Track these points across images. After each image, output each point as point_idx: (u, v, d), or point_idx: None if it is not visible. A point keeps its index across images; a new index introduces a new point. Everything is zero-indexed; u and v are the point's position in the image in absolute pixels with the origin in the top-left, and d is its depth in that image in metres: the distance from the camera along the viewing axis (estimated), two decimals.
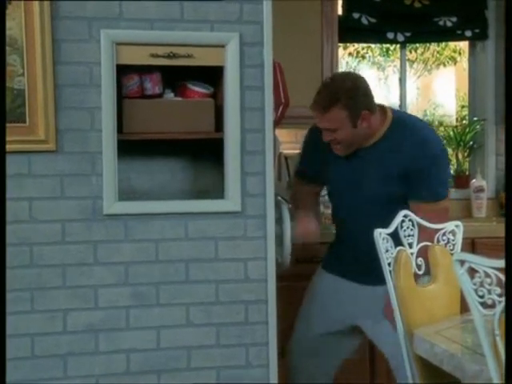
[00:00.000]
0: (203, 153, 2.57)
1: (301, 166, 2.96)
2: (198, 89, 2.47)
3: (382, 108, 2.68)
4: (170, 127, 2.40)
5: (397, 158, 2.60)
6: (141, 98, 2.40)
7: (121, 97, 2.35)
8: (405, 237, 2.33)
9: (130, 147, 2.37)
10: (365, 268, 2.62)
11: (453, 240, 2.41)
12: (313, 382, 2.83)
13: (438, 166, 2.63)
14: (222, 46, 2.33)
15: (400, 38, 4.18)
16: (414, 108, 7.90)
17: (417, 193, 2.60)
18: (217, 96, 2.46)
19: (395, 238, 2.31)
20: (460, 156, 4.41)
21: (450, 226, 2.43)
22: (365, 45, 7.55)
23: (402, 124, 2.66)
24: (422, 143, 2.61)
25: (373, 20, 4.08)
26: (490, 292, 1.54)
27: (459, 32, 4.22)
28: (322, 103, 2.56)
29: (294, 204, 2.89)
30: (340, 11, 3.93)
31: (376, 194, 2.65)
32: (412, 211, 2.44)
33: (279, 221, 2.57)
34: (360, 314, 2.71)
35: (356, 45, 7.55)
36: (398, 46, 4.51)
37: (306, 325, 2.82)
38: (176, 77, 2.46)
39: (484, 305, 1.58)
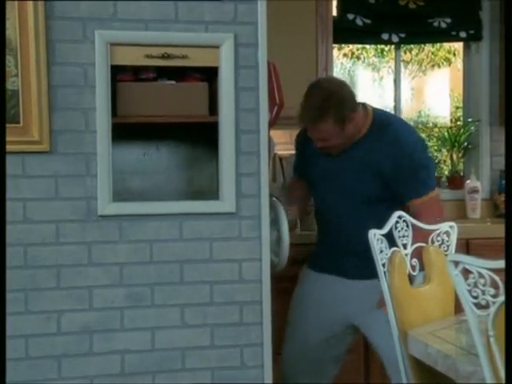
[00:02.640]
0: (197, 136, 2.57)
1: (294, 163, 3.07)
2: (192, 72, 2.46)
3: (364, 106, 2.73)
4: (164, 110, 2.39)
5: (374, 156, 2.65)
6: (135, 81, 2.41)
7: (115, 80, 2.34)
8: (399, 237, 2.33)
9: (125, 130, 2.36)
10: (352, 263, 2.68)
11: (447, 241, 2.42)
12: None
13: (417, 160, 2.66)
14: (217, 47, 2.33)
15: (395, 38, 4.18)
16: (408, 109, 7.90)
17: (405, 193, 2.65)
18: (212, 81, 2.46)
19: (390, 238, 2.31)
20: (454, 157, 4.42)
21: (444, 226, 2.43)
22: (359, 46, 7.53)
23: (380, 123, 2.71)
24: (396, 141, 2.66)
25: (367, 21, 4.09)
26: (483, 293, 1.54)
27: (454, 33, 4.23)
28: (309, 117, 2.63)
29: (285, 196, 2.99)
30: (335, 12, 3.94)
31: (357, 192, 2.69)
32: (413, 212, 2.48)
33: (275, 222, 2.57)
34: (353, 308, 2.72)
35: (351, 46, 7.53)
36: (393, 46, 4.51)
37: (301, 331, 2.82)
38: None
39: (478, 305, 1.59)
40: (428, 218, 2.49)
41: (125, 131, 2.35)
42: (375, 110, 2.78)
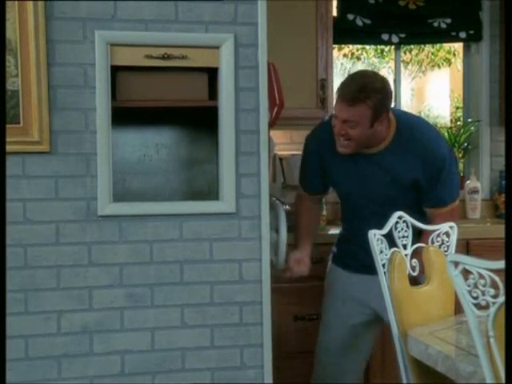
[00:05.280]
0: (198, 136, 2.57)
1: (304, 178, 2.92)
2: None
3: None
4: (164, 95, 2.37)
5: (408, 163, 2.61)
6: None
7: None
8: (399, 238, 2.33)
9: (124, 115, 2.36)
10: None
11: (447, 241, 2.42)
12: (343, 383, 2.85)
13: (449, 168, 2.64)
14: (217, 47, 2.32)
15: (395, 39, 4.18)
16: (408, 109, 7.89)
17: (434, 199, 2.65)
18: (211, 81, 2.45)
19: (389, 239, 2.31)
20: None
21: (444, 227, 2.43)
22: (359, 46, 7.55)
23: (408, 127, 2.66)
24: (430, 148, 2.62)
25: (367, 21, 4.09)
26: (483, 293, 1.54)
27: (454, 33, 4.23)
28: (352, 96, 2.54)
29: (295, 219, 2.88)
30: (335, 12, 3.94)
31: (387, 199, 2.65)
32: (430, 217, 2.48)
33: (275, 222, 2.57)
34: (375, 301, 2.71)
35: (351, 46, 7.55)
36: (393, 47, 4.51)
37: (333, 321, 2.84)
38: None
39: (478, 306, 1.59)
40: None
41: (124, 116, 2.35)
42: (395, 112, 2.70)
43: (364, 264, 2.71)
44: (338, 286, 2.85)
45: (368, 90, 2.52)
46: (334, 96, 2.71)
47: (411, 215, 2.40)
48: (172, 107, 2.43)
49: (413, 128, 2.67)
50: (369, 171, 2.68)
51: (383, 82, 2.62)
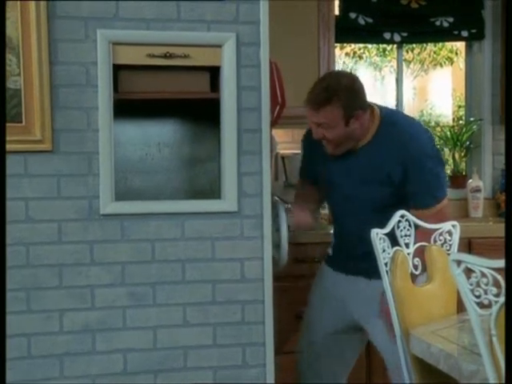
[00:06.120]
0: (199, 135, 2.57)
1: (302, 166, 2.96)
2: None
3: (371, 107, 2.63)
4: (166, 87, 2.36)
5: (386, 160, 2.57)
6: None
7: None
8: (401, 237, 2.33)
9: (126, 114, 2.36)
10: (361, 264, 2.62)
11: (449, 240, 2.41)
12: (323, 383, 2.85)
13: (430, 167, 2.56)
14: (219, 46, 2.33)
15: (397, 38, 4.18)
16: (410, 108, 7.90)
17: (416, 200, 2.56)
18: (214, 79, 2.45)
19: (392, 238, 2.31)
20: (457, 156, 4.42)
21: (446, 226, 2.43)
22: (361, 45, 7.56)
23: (391, 124, 2.62)
24: (410, 145, 2.55)
25: (369, 20, 4.08)
26: (486, 292, 1.54)
27: (456, 32, 4.22)
28: (318, 99, 2.52)
29: (295, 201, 2.88)
30: (337, 11, 3.93)
31: (366, 198, 2.63)
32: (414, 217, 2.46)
33: (276, 220, 2.57)
34: (359, 309, 2.71)
35: (353, 45, 7.55)
36: (395, 46, 4.51)
37: (315, 324, 2.83)
38: None
39: (480, 305, 1.58)
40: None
41: (126, 114, 2.35)
42: (383, 111, 2.67)
43: (346, 263, 2.72)
44: (324, 286, 2.84)
45: (331, 91, 2.50)
46: None
47: (392, 214, 2.34)
48: (174, 107, 2.44)
49: (395, 125, 2.62)
50: (349, 168, 2.65)
51: (350, 80, 2.58)
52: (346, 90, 2.51)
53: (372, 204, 2.62)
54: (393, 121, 2.65)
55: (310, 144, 2.78)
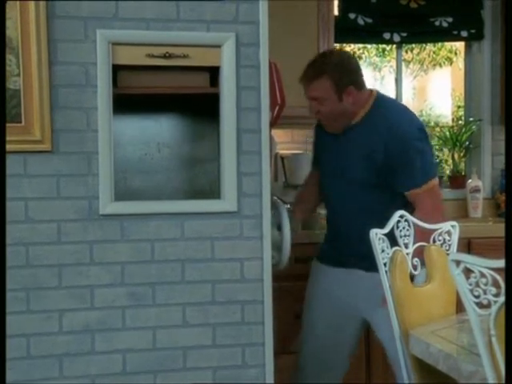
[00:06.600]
0: (198, 121, 2.58)
1: (312, 156, 3.05)
2: None
3: (371, 91, 2.76)
4: (165, 81, 2.37)
5: (367, 141, 2.65)
6: None
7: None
8: (401, 237, 2.33)
9: (126, 113, 2.37)
10: (358, 253, 2.61)
11: (449, 240, 2.42)
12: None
13: (416, 149, 2.62)
14: (218, 46, 2.32)
15: (396, 38, 4.19)
16: (409, 108, 7.89)
17: (400, 183, 2.62)
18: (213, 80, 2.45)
19: (391, 238, 2.31)
20: (456, 156, 4.42)
21: (446, 226, 2.43)
22: (361, 45, 7.54)
23: (381, 106, 2.71)
24: (391, 126, 2.64)
25: (369, 20, 4.09)
26: (485, 292, 1.54)
27: (455, 32, 4.23)
28: (310, 74, 2.68)
29: (294, 201, 3.02)
30: (336, 11, 3.94)
31: (353, 178, 2.69)
32: (411, 202, 2.52)
33: (277, 221, 2.57)
34: (362, 301, 2.72)
35: (352, 45, 7.54)
36: (394, 46, 4.52)
37: (316, 324, 2.85)
38: None
39: (479, 305, 1.59)
40: (426, 210, 2.52)
41: (126, 114, 2.36)
42: (379, 95, 2.77)
43: (344, 257, 2.73)
44: (318, 282, 2.86)
45: (322, 65, 2.66)
46: None
47: (385, 197, 2.52)
48: (173, 103, 2.44)
49: (386, 108, 2.73)
50: (341, 148, 2.74)
51: (339, 56, 2.76)
52: (335, 65, 2.65)
53: (359, 184, 2.67)
54: (383, 104, 2.74)
55: (318, 135, 2.90)
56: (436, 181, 2.68)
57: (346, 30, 4.06)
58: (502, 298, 1.51)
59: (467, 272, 1.59)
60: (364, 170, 2.65)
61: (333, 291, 2.79)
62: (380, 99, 2.74)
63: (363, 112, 2.69)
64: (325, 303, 2.82)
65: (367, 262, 2.42)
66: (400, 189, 2.63)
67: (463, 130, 4.37)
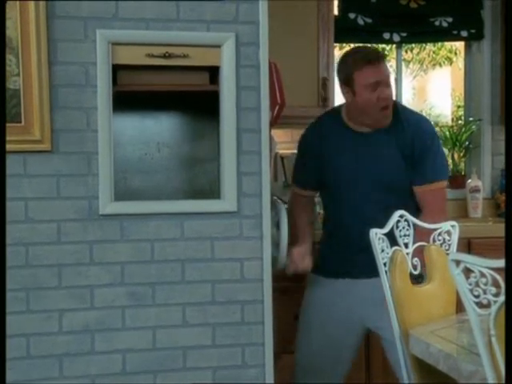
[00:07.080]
0: (198, 120, 2.58)
1: (298, 173, 2.93)
2: None
3: None
4: (164, 80, 2.37)
5: (401, 137, 2.66)
6: None
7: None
8: (400, 237, 2.33)
9: (126, 113, 2.37)
10: (366, 259, 2.47)
11: (448, 240, 2.42)
12: None
13: (436, 148, 2.72)
14: (218, 46, 2.32)
15: (396, 38, 4.19)
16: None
17: (421, 175, 2.66)
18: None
19: (391, 238, 2.31)
20: (456, 156, 4.42)
21: (445, 226, 2.43)
22: (361, 45, 7.54)
23: (397, 105, 2.76)
24: (421, 122, 2.73)
25: (369, 20, 4.09)
26: (485, 292, 1.54)
27: (455, 32, 4.23)
28: (374, 54, 2.64)
29: (291, 219, 2.71)
30: (336, 11, 3.94)
31: (386, 179, 2.68)
32: (418, 197, 2.60)
33: (276, 220, 2.57)
34: (366, 311, 2.70)
35: (352, 45, 7.54)
36: (394, 46, 4.52)
37: (313, 338, 2.81)
38: None
39: (479, 305, 1.59)
40: (432, 208, 2.56)
41: (126, 113, 2.36)
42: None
43: (349, 266, 2.70)
44: (318, 297, 2.81)
45: (376, 51, 2.75)
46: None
47: (405, 199, 2.54)
48: (173, 101, 2.44)
49: (402, 107, 2.80)
50: (369, 149, 2.71)
51: None
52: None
53: (386, 183, 2.67)
54: (400, 106, 2.81)
55: (310, 144, 2.81)
56: (446, 183, 2.76)
57: (346, 30, 4.07)
58: (501, 298, 1.51)
59: (467, 272, 1.59)
60: (395, 170, 2.66)
61: (334, 304, 2.75)
62: (398, 104, 2.82)
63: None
64: (325, 319, 2.78)
65: (370, 268, 2.37)
66: (417, 182, 2.66)
67: (463, 129, 4.37)
